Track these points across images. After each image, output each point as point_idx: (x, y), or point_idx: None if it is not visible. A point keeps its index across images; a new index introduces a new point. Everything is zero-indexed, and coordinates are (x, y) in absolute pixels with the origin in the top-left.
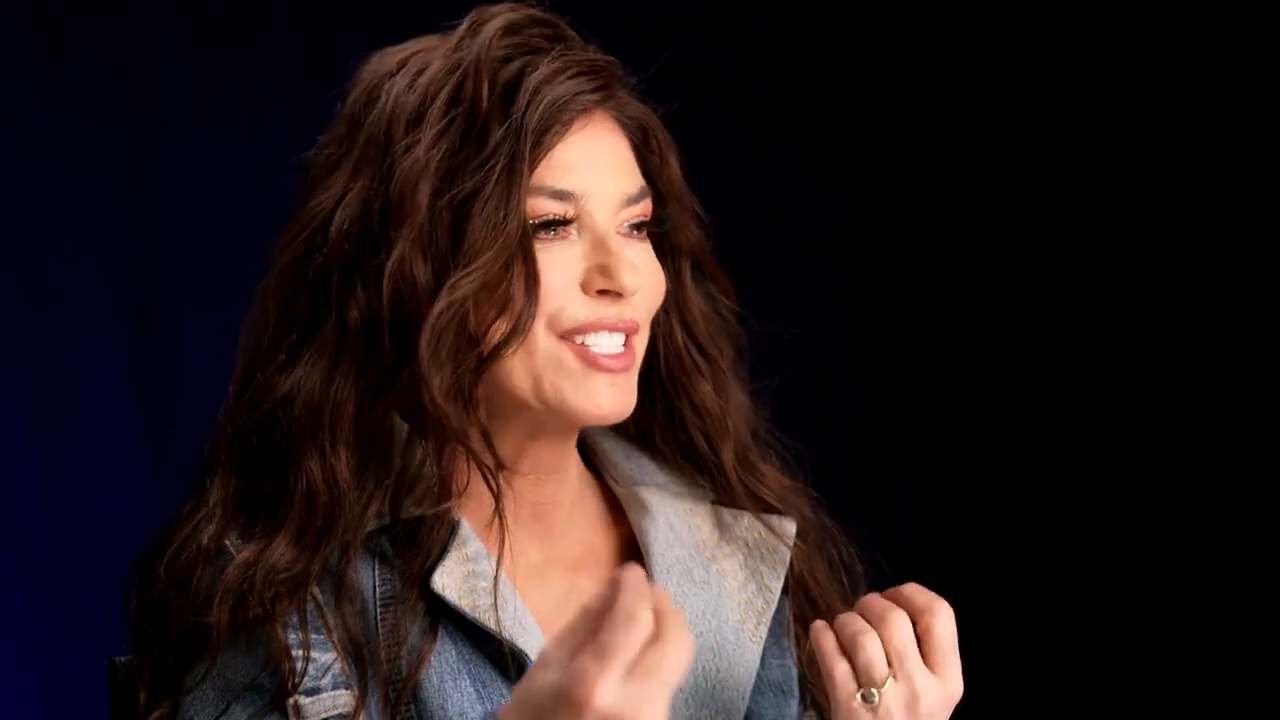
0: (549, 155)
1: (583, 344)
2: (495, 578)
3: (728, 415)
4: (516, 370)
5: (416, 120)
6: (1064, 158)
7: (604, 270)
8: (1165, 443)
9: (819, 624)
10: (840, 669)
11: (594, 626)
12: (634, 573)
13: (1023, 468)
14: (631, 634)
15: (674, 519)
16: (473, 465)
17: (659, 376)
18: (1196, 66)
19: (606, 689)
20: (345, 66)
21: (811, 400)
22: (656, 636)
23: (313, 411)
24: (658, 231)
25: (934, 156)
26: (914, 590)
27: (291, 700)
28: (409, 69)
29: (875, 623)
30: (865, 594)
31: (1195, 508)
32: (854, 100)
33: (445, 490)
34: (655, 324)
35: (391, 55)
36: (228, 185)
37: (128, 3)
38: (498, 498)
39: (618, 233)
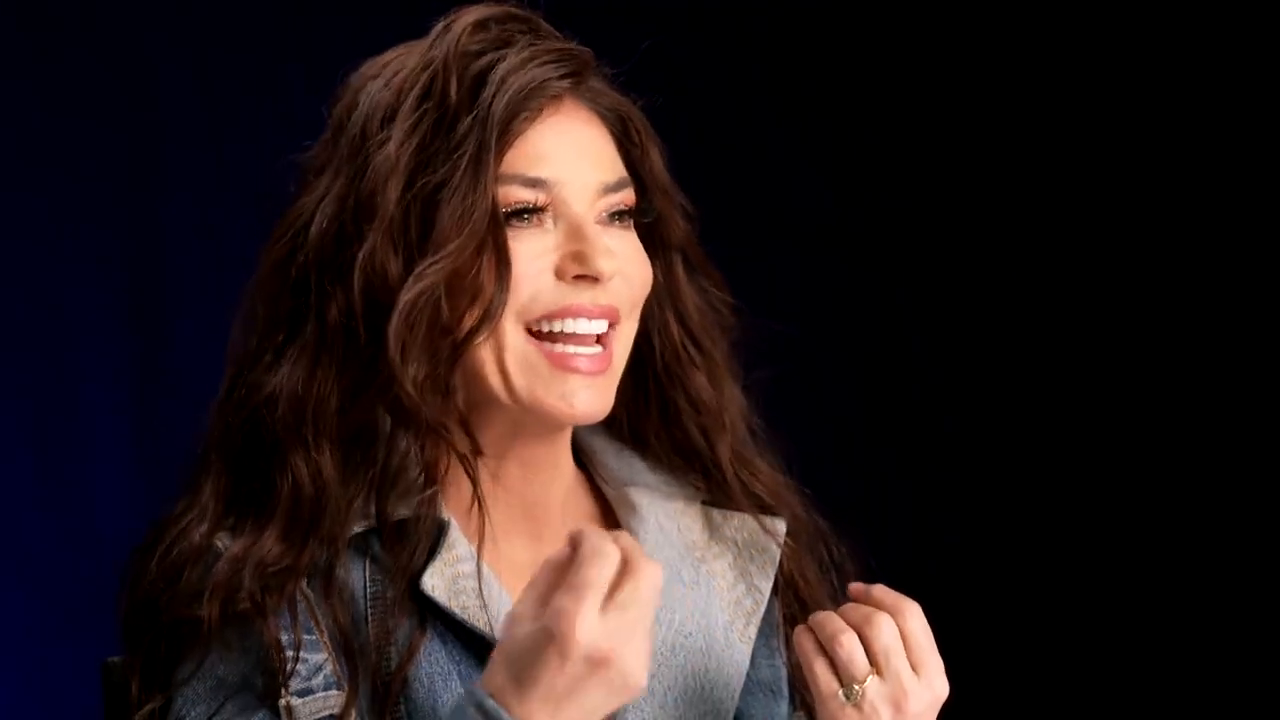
0: (521, 143)
1: (555, 337)
2: (478, 570)
3: (724, 409)
4: (488, 364)
5: (390, 117)
6: (1062, 158)
7: (578, 256)
8: (1165, 442)
9: (801, 626)
10: (821, 666)
11: (559, 575)
12: (591, 525)
13: (1023, 468)
14: (602, 568)
15: (663, 520)
16: (454, 457)
17: (654, 371)
18: (1196, 67)
19: (586, 622)
20: (344, 67)
21: (811, 401)
22: (626, 571)
23: (296, 409)
24: (643, 222)
25: (933, 155)
26: (882, 592)
27: (284, 700)
28: (389, 70)
29: (860, 624)
30: (852, 590)
31: (1195, 508)
32: (856, 97)
33: (429, 480)
34: (649, 318)
35: (377, 62)
36: (228, 185)
37: (128, 3)
38: (475, 483)
39: (596, 221)
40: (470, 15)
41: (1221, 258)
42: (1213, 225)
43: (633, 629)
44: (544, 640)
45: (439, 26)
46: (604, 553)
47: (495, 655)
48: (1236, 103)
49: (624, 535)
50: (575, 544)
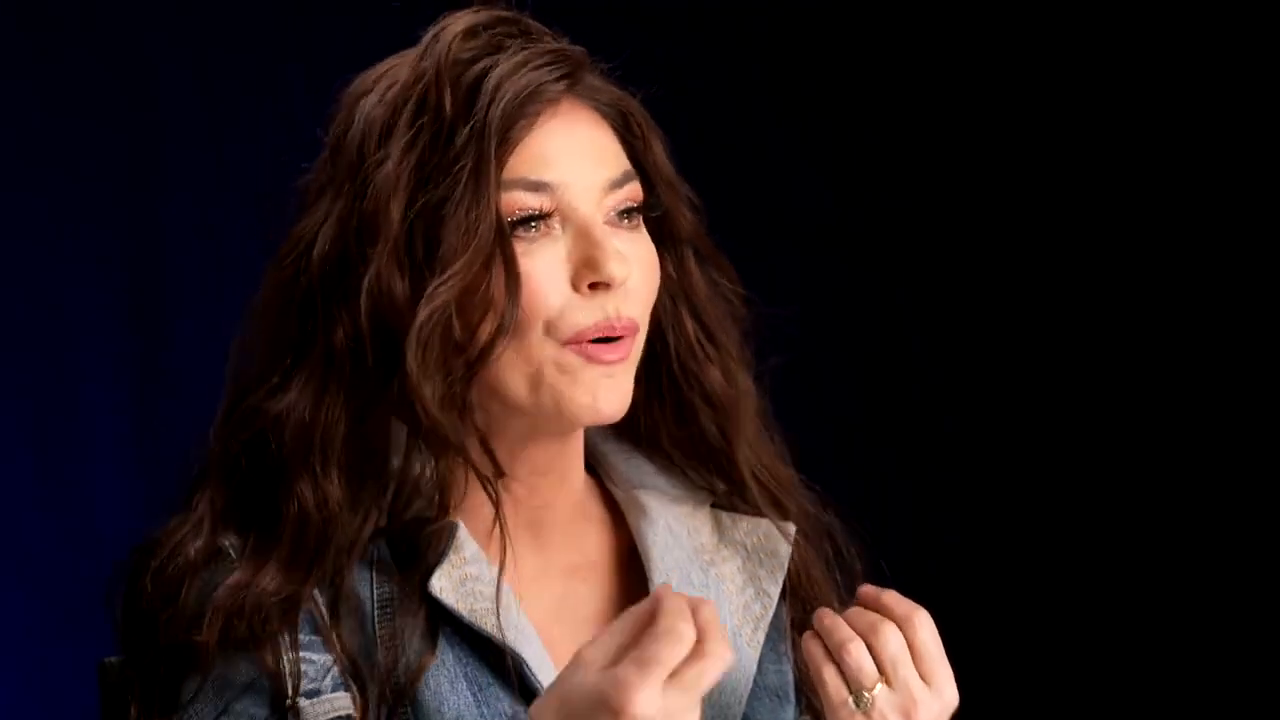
0: (522, 148)
1: (578, 343)
2: (498, 583)
3: (739, 403)
4: (513, 374)
5: (386, 134)
6: (1063, 157)
7: (590, 262)
8: (1165, 442)
9: (809, 633)
10: (830, 674)
11: (634, 632)
12: (676, 592)
13: (1023, 468)
14: (675, 648)
15: (673, 523)
16: (471, 474)
17: (668, 368)
18: (1197, 66)
19: (646, 697)
20: (337, 81)
21: (811, 400)
22: (698, 651)
23: (303, 435)
24: (651, 216)
25: (933, 155)
26: (893, 600)
27: (290, 702)
28: (381, 84)
29: (865, 634)
30: (861, 590)
31: (1195, 508)
32: (856, 97)
33: (444, 503)
34: (662, 313)
35: (369, 75)
36: (228, 185)
37: (128, 3)
38: (498, 506)
39: (605, 222)
40: (459, 23)
41: (1222, 257)
42: (1213, 225)
43: (688, 709)
44: (600, 704)
45: (428, 36)
46: (680, 634)
47: (553, 690)
48: (1237, 103)
49: (707, 608)
50: (658, 605)
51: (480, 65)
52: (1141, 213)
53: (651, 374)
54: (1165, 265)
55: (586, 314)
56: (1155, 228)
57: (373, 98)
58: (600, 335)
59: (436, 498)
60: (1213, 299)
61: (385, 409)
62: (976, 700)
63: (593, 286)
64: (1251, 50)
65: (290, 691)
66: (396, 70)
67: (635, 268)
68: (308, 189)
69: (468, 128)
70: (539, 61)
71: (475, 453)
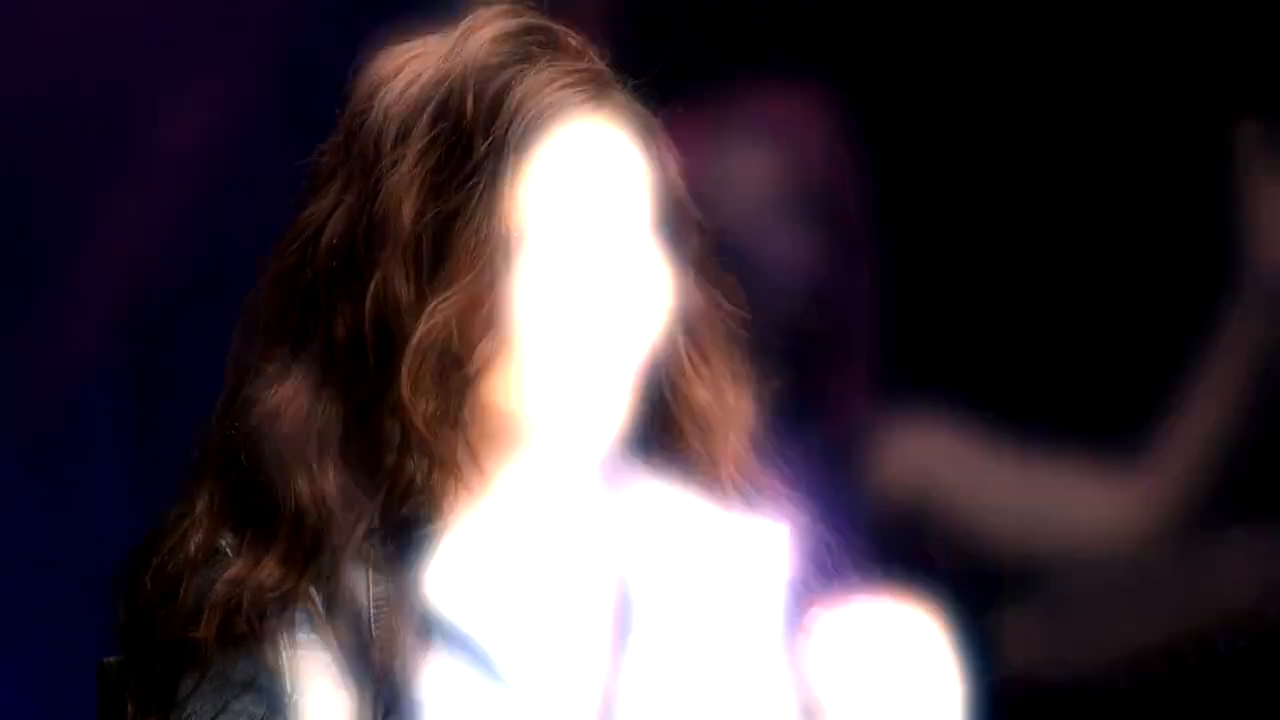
0: (539, 168)
1: (578, 364)
2: (482, 585)
3: (724, 422)
4: (508, 392)
5: (403, 135)
6: (1063, 157)
7: (594, 288)
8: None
9: (800, 631)
10: (822, 675)
11: None
12: None
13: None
14: None
15: (664, 522)
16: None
17: (656, 382)
18: (1195, 66)
19: None
20: (346, 67)
21: (809, 401)
22: None
23: (300, 429)
24: (658, 236)
25: (934, 154)
26: (890, 602)
27: (290, 699)
28: (403, 76)
29: (859, 634)
30: (855, 600)
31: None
32: (856, 96)
33: (435, 506)
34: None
35: (392, 58)
36: (228, 185)
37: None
38: (483, 520)
39: (613, 243)
40: (489, 28)
41: (1221, 258)
42: (1212, 225)
43: None
44: None
45: (457, 33)
46: None
47: None
48: (1235, 103)
49: None
50: None
51: (506, 75)
52: (1141, 213)
53: (642, 387)
54: (1166, 265)
55: (587, 336)
56: (1155, 228)
57: (395, 88)
58: (600, 357)
59: (427, 502)
60: (1213, 299)
61: (382, 409)
62: (977, 701)
63: (595, 311)
64: (1250, 50)
65: (289, 690)
66: (422, 61)
67: (639, 293)
68: (318, 169)
69: (486, 143)
70: (565, 81)
71: (465, 465)
